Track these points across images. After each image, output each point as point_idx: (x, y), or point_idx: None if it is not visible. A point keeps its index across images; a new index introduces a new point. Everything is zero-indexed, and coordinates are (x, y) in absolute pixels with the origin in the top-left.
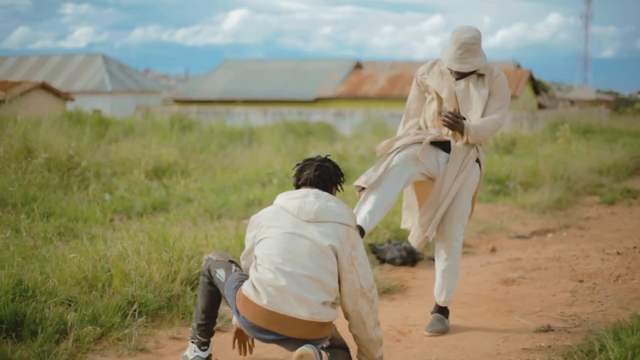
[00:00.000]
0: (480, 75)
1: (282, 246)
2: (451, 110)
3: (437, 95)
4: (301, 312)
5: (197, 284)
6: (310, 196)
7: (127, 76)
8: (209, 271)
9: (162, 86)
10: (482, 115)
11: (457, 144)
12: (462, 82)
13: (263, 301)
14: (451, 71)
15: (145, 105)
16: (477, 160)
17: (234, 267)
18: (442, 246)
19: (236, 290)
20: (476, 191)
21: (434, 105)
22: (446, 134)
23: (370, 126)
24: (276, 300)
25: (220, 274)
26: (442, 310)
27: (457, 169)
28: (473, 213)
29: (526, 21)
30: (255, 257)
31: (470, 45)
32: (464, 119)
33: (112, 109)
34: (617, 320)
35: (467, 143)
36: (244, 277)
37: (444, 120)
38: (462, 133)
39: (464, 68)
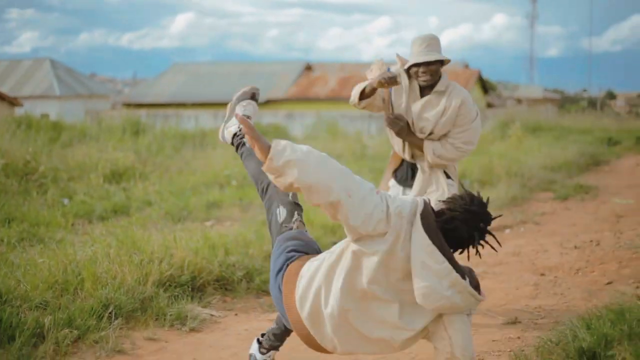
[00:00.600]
0: (441, 93)
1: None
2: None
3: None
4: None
5: (169, 285)
6: None
7: (76, 80)
8: (267, 193)
9: (110, 90)
10: (436, 131)
11: (423, 167)
12: (419, 103)
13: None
14: (417, 77)
15: (95, 110)
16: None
17: (296, 214)
18: None
19: (287, 263)
20: None
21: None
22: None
23: (322, 127)
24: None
25: (279, 213)
26: None
27: (419, 189)
28: None
29: (472, 22)
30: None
31: (432, 40)
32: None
33: (61, 114)
34: (586, 310)
35: (430, 167)
36: (300, 246)
37: (386, 120)
38: (402, 134)
39: (432, 57)
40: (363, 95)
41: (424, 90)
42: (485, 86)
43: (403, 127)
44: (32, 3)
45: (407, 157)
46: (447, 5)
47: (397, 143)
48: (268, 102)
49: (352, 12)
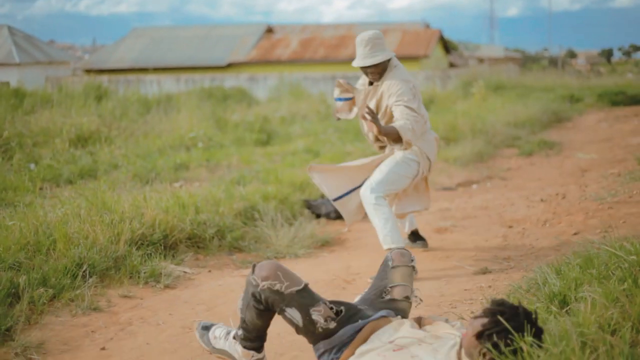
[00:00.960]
0: (377, 86)
1: None
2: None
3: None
4: None
5: (141, 244)
6: None
7: (35, 47)
8: (267, 301)
9: (70, 57)
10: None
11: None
12: (362, 92)
13: None
14: (367, 74)
15: (55, 77)
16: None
17: (320, 304)
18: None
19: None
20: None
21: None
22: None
23: (285, 89)
24: None
25: (292, 314)
26: None
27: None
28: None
29: None
30: None
31: (375, 40)
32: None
33: (21, 81)
34: (555, 258)
35: (409, 145)
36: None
37: (364, 115)
38: (377, 127)
39: (376, 60)
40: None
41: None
42: (446, 46)
43: (377, 120)
44: None
45: (371, 140)
46: None
47: (366, 125)
48: (230, 66)
49: None
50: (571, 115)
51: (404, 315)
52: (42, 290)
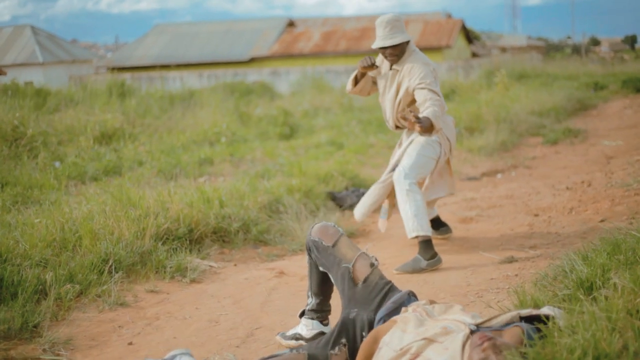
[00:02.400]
0: (397, 71)
1: None
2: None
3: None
4: None
5: (167, 239)
6: None
7: (58, 46)
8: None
9: (93, 55)
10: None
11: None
12: (383, 78)
13: None
14: (385, 56)
15: (78, 75)
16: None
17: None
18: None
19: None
20: (439, 157)
21: (388, 98)
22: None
23: (307, 83)
24: None
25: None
26: (422, 248)
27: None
28: (444, 179)
29: None
30: None
31: (394, 22)
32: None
33: (45, 80)
34: (582, 245)
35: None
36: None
37: (404, 117)
38: (430, 129)
39: (395, 41)
40: (356, 83)
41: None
42: (469, 36)
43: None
44: None
45: (391, 126)
46: None
47: (387, 111)
48: (252, 60)
49: None
50: (596, 103)
51: (390, 288)
52: (68, 286)
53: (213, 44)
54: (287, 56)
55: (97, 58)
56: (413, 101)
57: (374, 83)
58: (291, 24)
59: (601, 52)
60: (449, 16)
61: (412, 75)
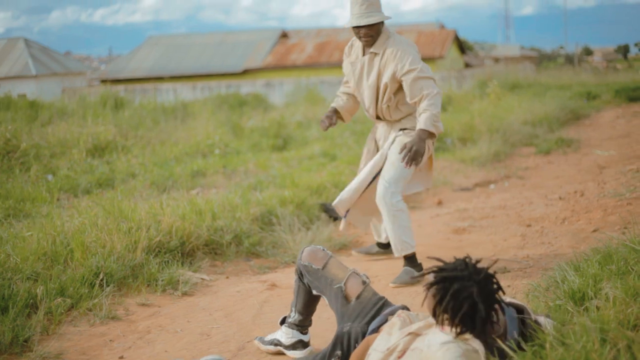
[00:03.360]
0: (375, 55)
1: None
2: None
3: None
4: None
5: (159, 252)
6: None
7: (51, 59)
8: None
9: (86, 67)
10: (379, 97)
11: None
12: (358, 64)
13: None
14: (359, 37)
15: (72, 87)
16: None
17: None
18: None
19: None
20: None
21: (367, 86)
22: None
23: (301, 94)
24: None
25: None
26: (408, 262)
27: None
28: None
29: None
30: None
31: None
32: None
33: (39, 93)
34: (574, 255)
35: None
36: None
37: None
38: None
39: (372, 20)
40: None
41: (366, 49)
42: (462, 46)
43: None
44: None
45: (371, 115)
46: None
47: (366, 100)
48: (246, 72)
49: None
50: (588, 113)
51: (384, 303)
52: (59, 300)
53: (207, 56)
54: (280, 67)
55: (91, 70)
56: (400, 87)
57: (354, 100)
58: (284, 35)
59: (594, 61)
60: (442, 27)
61: (398, 60)
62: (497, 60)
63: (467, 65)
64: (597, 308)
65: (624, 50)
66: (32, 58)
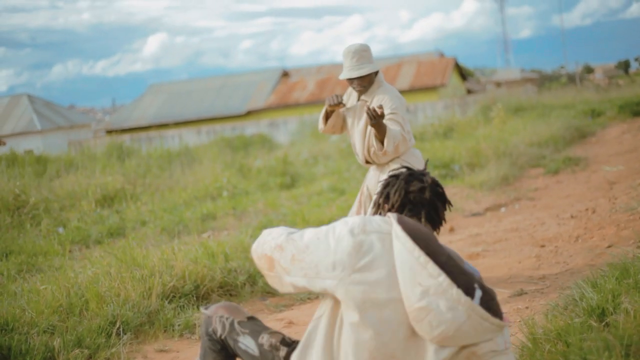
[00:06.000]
0: (365, 102)
1: None
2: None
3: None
4: None
5: (174, 297)
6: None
7: (55, 113)
8: (221, 336)
9: (91, 119)
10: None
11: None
12: (352, 110)
13: None
14: (353, 86)
15: (77, 140)
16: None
17: (264, 333)
18: None
19: None
20: None
21: (357, 131)
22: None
23: (306, 132)
24: None
25: (246, 343)
26: None
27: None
28: None
29: (443, 11)
30: None
31: (362, 52)
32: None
33: (45, 148)
34: (590, 272)
35: (384, 154)
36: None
37: (368, 112)
38: (380, 132)
39: (363, 72)
40: (327, 120)
41: (360, 96)
42: (462, 73)
43: (380, 122)
44: (1, 41)
45: (361, 160)
46: None
47: (357, 145)
48: (249, 113)
49: (322, 15)
50: (594, 130)
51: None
52: (77, 351)
53: (209, 100)
54: (283, 106)
55: (95, 122)
56: None
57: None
58: (285, 74)
59: (596, 79)
60: (442, 55)
61: (382, 105)
62: (498, 84)
63: (469, 92)
64: (618, 323)
65: (624, 65)
66: (37, 113)
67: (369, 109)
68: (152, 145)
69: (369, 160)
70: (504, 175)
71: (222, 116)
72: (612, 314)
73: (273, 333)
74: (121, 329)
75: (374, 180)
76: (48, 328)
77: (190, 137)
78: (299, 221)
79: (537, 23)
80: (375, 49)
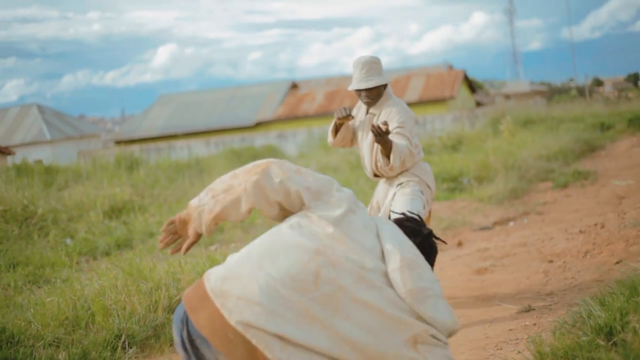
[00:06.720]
0: (373, 115)
1: None
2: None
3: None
4: None
5: None
6: None
7: (65, 123)
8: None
9: (100, 129)
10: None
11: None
12: (360, 124)
13: None
14: (361, 98)
15: (87, 150)
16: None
17: None
18: None
19: None
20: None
21: (365, 145)
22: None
23: (314, 143)
24: None
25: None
26: None
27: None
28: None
29: (452, 23)
30: None
31: (371, 64)
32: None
33: (54, 158)
34: (598, 289)
35: (391, 169)
36: None
37: (373, 130)
38: (385, 148)
39: (371, 83)
40: (336, 133)
41: (368, 109)
42: (471, 86)
43: (386, 139)
44: (12, 51)
45: (369, 174)
46: (424, 10)
47: (365, 158)
48: (258, 125)
49: (331, 27)
50: (603, 143)
51: None
52: None
53: (218, 111)
54: (292, 118)
55: (105, 132)
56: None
57: (353, 133)
58: (294, 86)
59: (605, 92)
60: (451, 67)
61: (390, 119)
62: (507, 97)
63: (478, 104)
64: (626, 342)
65: (634, 78)
66: (46, 123)
67: (373, 126)
68: (161, 155)
69: (377, 173)
70: (513, 189)
71: (231, 127)
72: (620, 333)
73: None
74: (127, 343)
75: (383, 193)
76: (54, 341)
77: (199, 148)
78: None
79: (546, 36)
80: (385, 61)
